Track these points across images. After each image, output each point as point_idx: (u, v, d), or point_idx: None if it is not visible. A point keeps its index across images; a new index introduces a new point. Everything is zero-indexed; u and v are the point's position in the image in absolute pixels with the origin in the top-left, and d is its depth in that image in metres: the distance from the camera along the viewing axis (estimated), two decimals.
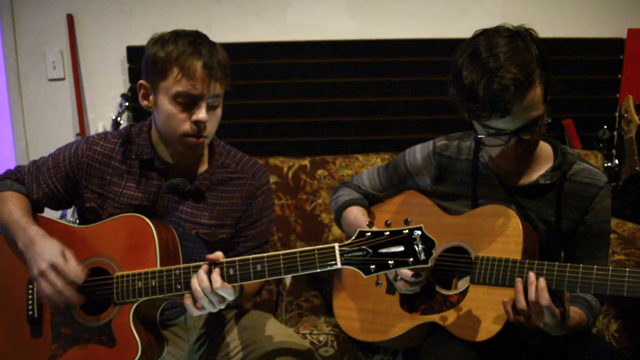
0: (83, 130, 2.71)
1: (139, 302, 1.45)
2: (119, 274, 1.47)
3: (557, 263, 1.43)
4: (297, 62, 2.68)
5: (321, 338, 1.84)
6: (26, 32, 2.68)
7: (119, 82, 2.72)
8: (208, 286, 1.35)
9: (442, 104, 2.71)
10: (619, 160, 2.68)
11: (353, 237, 1.31)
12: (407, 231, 1.27)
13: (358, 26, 2.70)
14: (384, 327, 1.67)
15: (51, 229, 1.55)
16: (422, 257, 1.26)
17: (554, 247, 1.62)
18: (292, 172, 2.51)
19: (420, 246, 1.26)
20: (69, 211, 2.46)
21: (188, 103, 1.46)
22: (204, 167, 1.62)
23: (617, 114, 2.73)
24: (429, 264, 1.27)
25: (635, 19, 2.69)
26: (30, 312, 1.53)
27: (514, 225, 1.53)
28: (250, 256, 1.38)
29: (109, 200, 1.57)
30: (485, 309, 1.50)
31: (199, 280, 1.37)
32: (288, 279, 2.16)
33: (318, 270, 1.34)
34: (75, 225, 1.59)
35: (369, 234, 1.30)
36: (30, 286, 1.54)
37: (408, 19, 2.71)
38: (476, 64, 1.41)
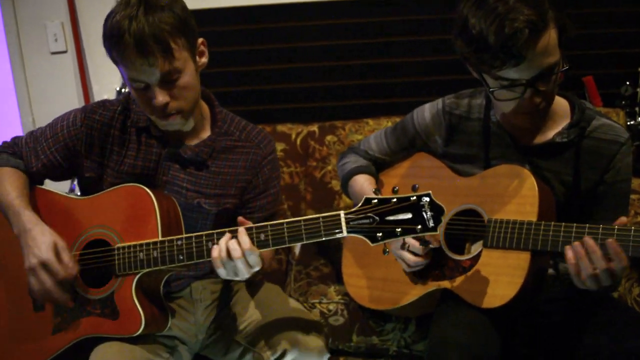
0: (88, 103, 2.67)
1: (141, 273, 1.41)
2: (120, 245, 1.43)
3: (574, 225, 1.36)
4: (302, 24, 2.58)
5: (331, 307, 1.80)
6: (25, 5, 2.63)
7: None
8: (225, 252, 1.31)
9: (453, 64, 2.58)
10: None
11: (359, 205, 1.26)
12: (414, 198, 1.22)
13: None
14: (395, 295, 1.62)
15: (50, 201, 1.52)
16: (431, 224, 1.22)
17: (572, 208, 1.54)
18: (300, 138, 2.44)
19: (428, 213, 1.22)
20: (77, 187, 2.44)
21: (141, 88, 1.39)
22: (205, 134, 1.57)
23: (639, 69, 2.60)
24: (438, 231, 1.22)
25: None
26: None
27: (529, 185, 1.46)
28: (253, 225, 1.34)
29: (109, 170, 1.53)
30: (499, 274, 1.44)
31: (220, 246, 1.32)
32: (297, 247, 2.12)
33: (323, 239, 1.29)
34: (74, 196, 1.55)
35: (376, 201, 1.25)
36: None
37: None
38: (484, 10, 1.32)
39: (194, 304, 1.65)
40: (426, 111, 1.68)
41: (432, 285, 1.55)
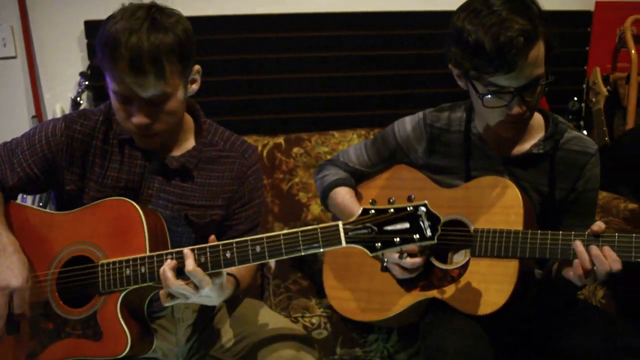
0: (39, 112, 2.53)
1: (127, 291, 1.34)
2: (104, 261, 1.36)
3: (560, 232, 1.42)
4: (268, 36, 2.57)
5: (314, 320, 1.79)
6: None
7: (77, 60, 2.54)
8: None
9: (418, 78, 2.67)
10: (587, 132, 2.72)
11: (357, 215, 1.25)
12: (411, 208, 1.23)
13: None
14: (382, 306, 1.63)
15: (25, 217, 1.43)
16: (429, 233, 1.22)
17: (546, 216, 1.61)
18: (266, 150, 2.42)
19: (426, 222, 1.22)
20: (29, 198, 2.29)
21: (124, 102, 1.34)
22: (189, 144, 1.52)
23: (585, 86, 2.77)
24: (435, 240, 1.24)
25: None
26: None
27: (513, 195, 1.51)
28: (248, 237, 1.30)
29: (91, 183, 1.45)
30: (488, 282, 1.48)
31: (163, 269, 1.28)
32: (273, 261, 2.09)
33: (322, 250, 1.28)
34: (53, 211, 1.46)
35: (373, 211, 1.25)
36: None
37: None
38: (480, 19, 1.37)
39: (175, 324, 1.59)
40: (407, 124, 1.71)
41: (420, 295, 1.57)
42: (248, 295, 1.71)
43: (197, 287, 1.28)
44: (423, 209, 1.23)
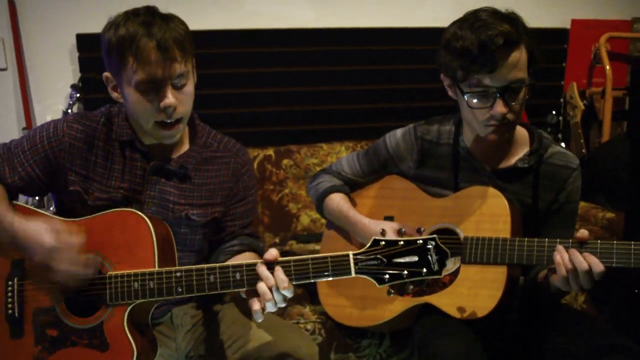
0: (30, 124, 2.54)
1: (134, 304, 1.38)
2: (112, 273, 1.39)
3: (546, 240, 1.50)
4: (255, 50, 2.64)
5: (308, 326, 1.84)
6: None
7: (68, 72, 2.57)
8: (273, 283, 1.30)
9: (404, 92, 2.76)
10: (565, 144, 2.84)
11: (367, 246, 1.29)
12: (421, 241, 1.26)
13: (316, 15, 2.70)
14: (376, 312, 1.69)
15: None
16: (436, 268, 1.25)
17: (528, 226, 1.68)
18: (257, 162, 2.48)
19: (434, 257, 1.25)
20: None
21: (152, 90, 1.40)
22: (185, 147, 1.58)
23: (562, 100, 2.89)
24: (442, 276, 1.28)
25: (578, 10, 2.85)
26: (10, 311, 1.42)
27: (501, 205, 1.59)
28: (259, 260, 1.34)
29: (95, 184, 1.49)
30: (478, 288, 1.55)
31: (264, 279, 1.30)
32: None
33: (331, 278, 1.31)
34: (62, 219, 1.46)
35: (383, 242, 1.28)
36: (10, 282, 1.43)
37: (365, 7, 2.73)
38: (467, 26, 1.49)
39: (175, 330, 1.62)
40: (398, 136, 1.78)
41: (412, 301, 1.63)
42: (240, 303, 1.74)
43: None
44: (432, 242, 1.26)
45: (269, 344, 1.51)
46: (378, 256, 1.27)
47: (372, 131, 2.66)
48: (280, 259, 1.33)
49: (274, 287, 1.29)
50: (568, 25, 2.84)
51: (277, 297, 1.30)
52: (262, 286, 1.30)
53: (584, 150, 2.71)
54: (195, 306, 1.66)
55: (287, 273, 1.31)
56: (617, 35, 2.82)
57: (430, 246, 1.25)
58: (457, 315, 1.54)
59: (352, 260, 1.29)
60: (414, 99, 2.73)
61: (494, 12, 1.51)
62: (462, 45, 1.48)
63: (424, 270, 1.25)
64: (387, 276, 1.27)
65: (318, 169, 2.45)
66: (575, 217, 1.71)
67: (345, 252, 1.29)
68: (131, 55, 1.36)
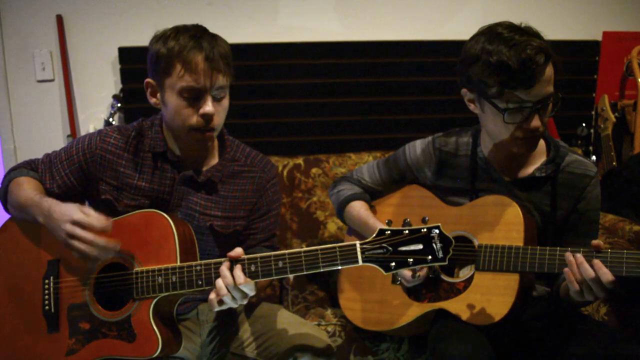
0: (74, 132, 2.70)
1: (158, 297, 1.47)
2: (138, 269, 1.49)
3: (557, 248, 1.52)
4: (288, 63, 2.72)
5: (329, 329, 1.89)
6: (14, 34, 2.65)
7: (110, 84, 2.72)
8: (231, 282, 1.39)
9: (429, 104, 2.80)
10: (596, 157, 2.81)
11: (373, 235, 1.35)
12: (425, 230, 1.31)
13: (346, 28, 2.77)
14: (392, 317, 1.73)
15: None
16: (440, 255, 1.31)
17: (547, 234, 1.70)
18: (286, 170, 2.55)
19: (438, 244, 1.31)
20: None
21: (194, 97, 1.50)
22: (214, 160, 1.66)
23: (593, 112, 2.86)
24: (446, 262, 1.32)
25: (610, 22, 2.83)
26: (47, 307, 1.53)
27: (515, 213, 1.61)
28: (271, 253, 1.42)
29: (124, 192, 1.60)
30: (491, 294, 1.58)
31: (222, 277, 1.40)
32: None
33: (339, 267, 1.38)
34: None
35: (389, 232, 1.34)
36: (47, 281, 1.55)
37: (394, 21, 2.79)
38: (500, 41, 1.50)
39: (200, 325, 1.71)
40: (417, 147, 1.83)
41: (428, 307, 1.67)
42: (266, 301, 1.82)
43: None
44: (436, 231, 1.31)
45: (288, 338, 1.59)
46: (384, 245, 1.33)
47: (398, 142, 2.67)
48: (291, 250, 1.40)
49: (230, 284, 1.39)
50: (600, 38, 2.82)
51: (234, 293, 1.40)
52: (219, 282, 1.41)
53: (614, 163, 2.68)
54: None
55: (298, 263, 1.38)
56: None
57: (434, 234, 1.31)
58: (471, 320, 1.58)
59: (358, 249, 1.35)
60: (440, 111, 2.77)
61: (516, 26, 1.54)
62: (499, 61, 1.48)
63: (429, 257, 1.30)
64: (393, 264, 1.32)
65: None
66: (596, 225, 1.71)
67: (352, 242, 1.35)
68: (180, 62, 1.48)
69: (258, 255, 1.42)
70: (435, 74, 2.76)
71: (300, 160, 2.58)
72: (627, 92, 2.85)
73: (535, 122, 1.54)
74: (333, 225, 2.54)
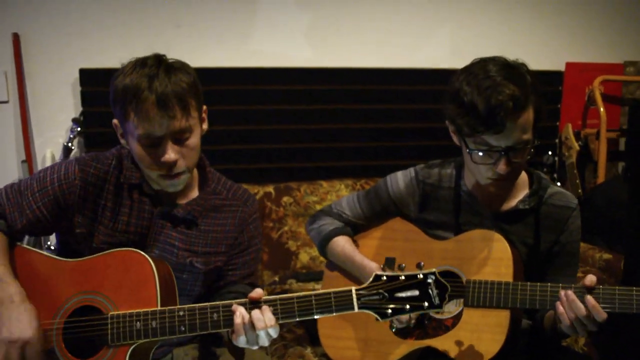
0: (29, 157, 2.54)
1: (136, 344, 1.36)
2: (114, 313, 1.38)
3: (548, 284, 1.51)
4: (257, 88, 2.67)
5: None
6: None
7: (70, 106, 2.58)
8: (249, 321, 1.31)
9: (401, 131, 2.80)
10: (561, 184, 2.87)
11: (370, 281, 1.31)
12: (421, 276, 1.29)
13: (318, 55, 2.75)
14: (379, 354, 1.68)
15: (32, 262, 1.44)
16: (437, 301, 1.28)
17: (531, 267, 1.70)
18: (256, 199, 2.48)
19: (434, 291, 1.28)
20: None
21: (152, 145, 1.40)
22: (194, 193, 1.58)
23: (557, 140, 2.93)
24: (442, 309, 1.30)
25: (573, 54, 2.92)
26: None
27: (503, 248, 1.60)
28: (263, 298, 1.34)
29: (101, 227, 1.48)
30: (481, 332, 1.55)
31: (255, 320, 1.32)
32: None
33: (334, 314, 1.33)
34: (60, 258, 1.47)
35: (385, 278, 1.30)
36: None
37: (364, 48, 2.79)
38: (476, 82, 1.49)
39: None
40: (400, 180, 1.79)
41: (415, 344, 1.63)
42: None
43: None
44: (432, 277, 1.29)
45: None
46: (380, 291, 1.29)
47: (371, 169, 2.70)
48: (283, 296, 1.33)
49: (247, 324, 1.31)
50: (563, 68, 2.91)
51: (260, 333, 1.32)
52: (237, 317, 1.33)
53: (579, 191, 2.74)
54: (197, 347, 1.64)
55: (290, 310, 1.32)
56: (610, 78, 2.89)
57: (430, 280, 1.28)
58: (459, 359, 1.54)
59: (354, 296, 1.30)
60: (412, 138, 2.77)
61: (503, 66, 1.51)
62: (470, 103, 1.47)
63: (425, 304, 1.27)
64: (389, 311, 1.28)
65: (318, 206, 2.47)
66: (578, 256, 1.72)
67: (347, 288, 1.31)
68: (132, 109, 1.37)
69: (248, 300, 1.34)
70: (406, 102, 2.77)
71: (270, 189, 2.51)
72: (589, 121, 2.94)
73: (501, 166, 1.53)
74: (305, 256, 2.48)
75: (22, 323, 1.34)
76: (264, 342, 1.34)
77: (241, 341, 1.34)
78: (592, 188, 2.78)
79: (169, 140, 1.39)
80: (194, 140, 1.45)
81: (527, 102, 1.49)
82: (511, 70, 1.51)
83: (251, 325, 1.31)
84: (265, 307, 1.32)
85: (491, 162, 1.54)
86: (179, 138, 1.41)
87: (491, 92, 1.46)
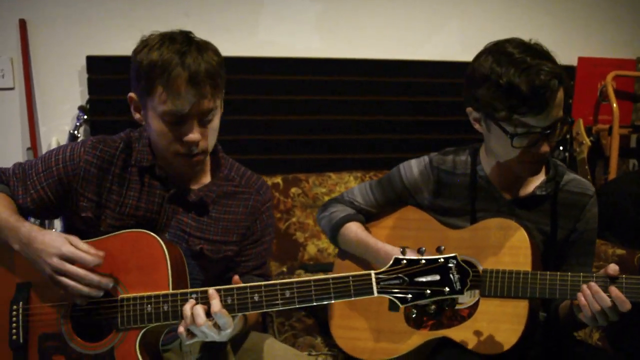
0: (35, 144, 2.51)
1: (147, 328, 1.33)
2: (124, 296, 1.34)
3: (569, 274, 1.47)
4: (266, 78, 2.64)
5: (320, 359, 1.78)
6: None
7: (76, 94, 2.55)
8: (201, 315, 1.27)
9: (410, 123, 2.77)
10: None
11: (389, 265, 1.26)
12: (442, 260, 1.25)
13: (327, 45, 2.72)
14: (391, 345, 1.64)
15: None
16: (458, 286, 1.23)
17: (547, 255, 1.66)
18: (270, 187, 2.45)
19: (456, 276, 1.24)
20: None
21: (176, 122, 1.36)
22: (207, 179, 1.54)
23: (568, 136, 2.90)
24: (464, 294, 1.26)
25: (585, 48, 2.89)
26: (15, 337, 1.36)
27: (521, 237, 1.56)
28: (277, 281, 1.30)
29: (107, 211, 1.44)
30: (499, 322, 1.51)
31: (190, 307, 1.28)
32: None
33: (352, 298, 1.28)
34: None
35: (405, 261, 1.26)
36: (15, 307, 1.38)
37: (374, 39, 2.76)
38: (510, 62, 1.43)
39: (183, 357, 1.57)
40: (414, 167, 1.76)
41: (429, 335, 1.59)
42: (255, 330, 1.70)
43: (220, 328, 1.28)
44: (454, 261, 1.24)
45: None
46: (400, 275, 1.25)
47: (380, 161, 2.66)
48: (301, 278, 1.29)
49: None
50: (575, 63, 2.88)
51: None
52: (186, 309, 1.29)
53: None
54: None
55: (307, 293, 1.27)
56: (623, 74, 2.85)
57: (451, 265, 1.23)
58: (476, 349, 1.50)
59: (374, 280, 1.26)
60: (421, 131, 2.74)
61: (527, 46, 1.47)
62: (509, 84, 1.42)
63: (447, 289, 1.23)
64: (410, 295, 1.24)
65: (326, 198, 2.44)
66: (594, 245, 1.69)
67: (367, 272, 1.26)
68: (161, 84, 1.32)
69: (262, 283, 1.30)
70: (415, 94, 2.74)
71: (278, 180, 2.48)
72: (601, 117, 2.90)
73: (544, 147, 1.50)
74: (313, 248, 2.45)
75: (48, 245, 1.29)
76: (213, 337, 1.29)
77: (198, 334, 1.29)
78: (603, 184, 2.74)
79: (195, 118, 1.36)
80: (216, 122, 1.42)
81: (563, 78, 1.46)
82: (536, 47, 1.48)
83: (192, 320, 1.27)
84: (215, 302, 1.27)
85: (531, 145, 1.49)
86: (204, 118, 1.37)
87: (534, 71, 1.41)
